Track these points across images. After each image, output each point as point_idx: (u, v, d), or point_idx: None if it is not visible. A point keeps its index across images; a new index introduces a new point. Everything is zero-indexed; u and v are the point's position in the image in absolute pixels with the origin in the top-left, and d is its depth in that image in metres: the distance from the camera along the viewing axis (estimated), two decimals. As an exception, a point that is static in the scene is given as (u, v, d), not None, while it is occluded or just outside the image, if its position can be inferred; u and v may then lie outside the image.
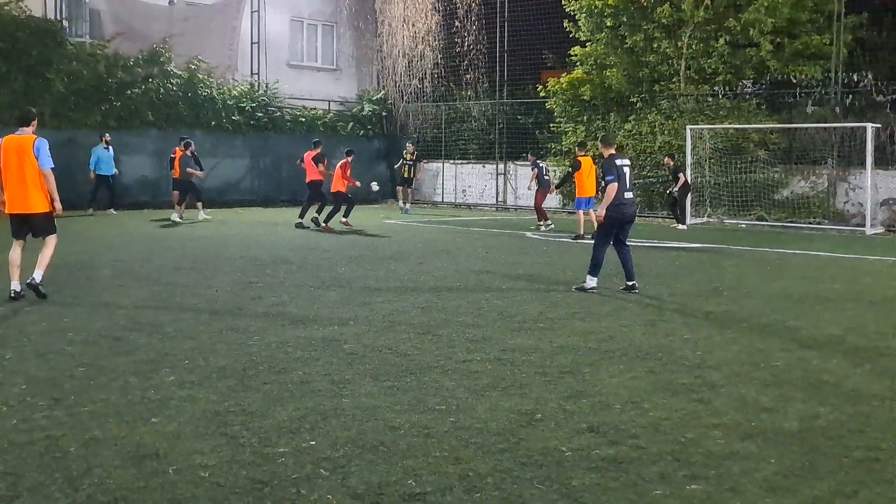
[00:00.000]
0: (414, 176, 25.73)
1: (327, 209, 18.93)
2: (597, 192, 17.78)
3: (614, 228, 10.50)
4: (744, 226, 21.70)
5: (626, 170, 10.57)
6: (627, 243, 10.66)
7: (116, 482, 4.28)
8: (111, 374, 6.31)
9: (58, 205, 9.53)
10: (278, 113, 27.90)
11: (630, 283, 10.52)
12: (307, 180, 19.27)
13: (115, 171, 22.21)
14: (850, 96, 21.93)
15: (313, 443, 4.89)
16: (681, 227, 21.02)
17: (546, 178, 21.00)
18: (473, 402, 5.72)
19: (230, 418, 5.32)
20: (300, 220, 19.06)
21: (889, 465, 4.62)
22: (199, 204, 20.94)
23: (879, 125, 20.58)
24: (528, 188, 23.77)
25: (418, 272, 12.08)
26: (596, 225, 11.31)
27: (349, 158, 19.18)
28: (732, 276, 11.95)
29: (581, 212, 17.96)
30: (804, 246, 16.57)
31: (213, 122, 25.84)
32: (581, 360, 6.94)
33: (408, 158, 25.38)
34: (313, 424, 5.21)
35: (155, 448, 4.76)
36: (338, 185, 18.74)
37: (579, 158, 17.60)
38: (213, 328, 8.03)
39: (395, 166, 26.34)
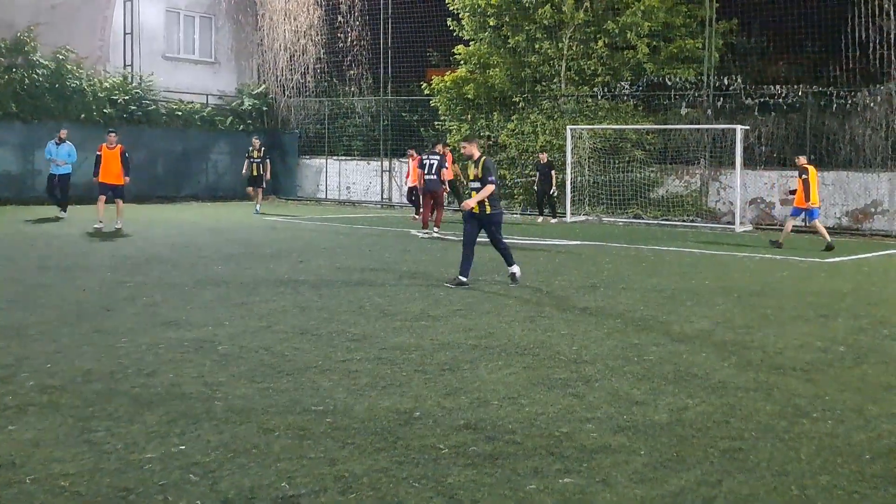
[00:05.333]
0: (263, 173, 23.07)
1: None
2: None
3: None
4: (621, 223, 22.29)
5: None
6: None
7: (-35, 495, 4.02)
8: (-35, 380, 5.95)
9: None
10: (153, 106, 27.02)
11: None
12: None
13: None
14: (721, 99, 22.82)
15: (183, 447, 4.72)
16: (553, 220, 22.10)
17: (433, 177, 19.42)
18: (352, 401, 5.64)
19: (94, 424, 5.08)
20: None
21: (752, 455, 4.79)
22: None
23: (748, 127, 21.51)
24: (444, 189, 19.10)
25: (298, 271, 11.88)
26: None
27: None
28: (609, 273, 12.22)
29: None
30: (678, 243, 17.14)
31: (83, 115, 24.77)
32: (461, 357, 6.95)
33: (255, 156, 22.89)
34: (183, 428, 5.04)
35: (10, 457, 4.50)
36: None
37: (805, 166, 16.16)
38: (78, 330, 7.68)
39: (244, 169, 23.46)
